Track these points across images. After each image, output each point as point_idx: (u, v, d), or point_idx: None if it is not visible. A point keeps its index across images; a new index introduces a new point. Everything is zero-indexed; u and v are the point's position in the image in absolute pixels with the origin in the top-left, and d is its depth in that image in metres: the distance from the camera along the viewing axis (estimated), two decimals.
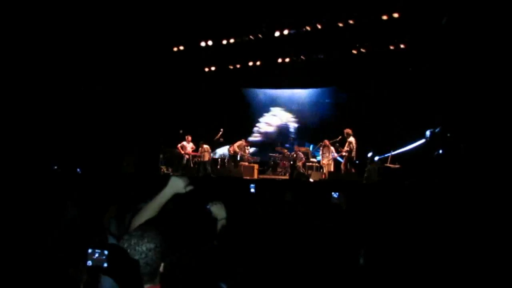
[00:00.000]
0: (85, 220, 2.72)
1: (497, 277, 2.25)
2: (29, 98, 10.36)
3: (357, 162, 12.60)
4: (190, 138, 12.98)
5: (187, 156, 12.90)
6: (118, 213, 3.12)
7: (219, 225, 2.85)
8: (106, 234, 2.50)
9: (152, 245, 1.95)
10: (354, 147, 10.95)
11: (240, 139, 13.29)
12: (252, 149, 14.29)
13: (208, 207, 2.92)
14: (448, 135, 10.11)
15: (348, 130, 11.06)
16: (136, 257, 1.89)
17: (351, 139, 10.98)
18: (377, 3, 10.10)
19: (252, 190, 7.20)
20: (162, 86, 13.56)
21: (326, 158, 11.39)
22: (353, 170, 10.93)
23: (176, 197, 2.64)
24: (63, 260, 2.08)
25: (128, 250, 1.90)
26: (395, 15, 10.14)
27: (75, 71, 11.29)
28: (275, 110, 16.16)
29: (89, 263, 1.75)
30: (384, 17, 10.30)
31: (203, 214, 2.97)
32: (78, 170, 10.31)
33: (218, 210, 2.89)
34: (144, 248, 1.92)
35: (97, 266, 1.75)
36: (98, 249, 1.75)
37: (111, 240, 2.32)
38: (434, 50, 10.75)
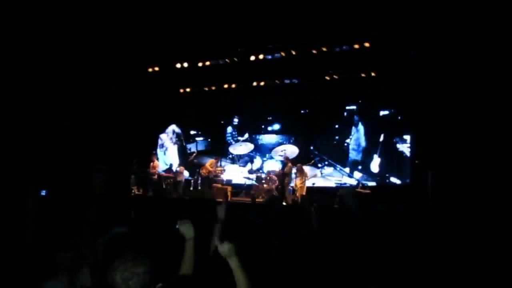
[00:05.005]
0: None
1: None
2: None
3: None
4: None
5: (156, 177, 12.71)
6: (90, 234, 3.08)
7: (186, 245, 2.78)
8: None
9: (147, 268, 2.17)
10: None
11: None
12: (224, 164, 13.95)
13: (177, 226, 2.85)
14: (417, 162, 10.45)
15: (286, 156, 12.06)
16: (134, 280, 2.09)
17: (289, 165, 11.71)
18: (349, 33, 10.48)
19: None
20: (136, 107, 13.44)
21: (299, 181, 11.55)
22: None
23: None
24: None
25: (125, 273, 2.09)
26: (366, 44, 10.58)
27: (48, 89, 11.05)
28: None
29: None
30: (356, 46, 10.74)
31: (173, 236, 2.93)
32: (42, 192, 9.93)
33: (186, 229, 2.82)
34: (141, 270, 2.13)
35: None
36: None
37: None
38: (403, 79, 11.21)
